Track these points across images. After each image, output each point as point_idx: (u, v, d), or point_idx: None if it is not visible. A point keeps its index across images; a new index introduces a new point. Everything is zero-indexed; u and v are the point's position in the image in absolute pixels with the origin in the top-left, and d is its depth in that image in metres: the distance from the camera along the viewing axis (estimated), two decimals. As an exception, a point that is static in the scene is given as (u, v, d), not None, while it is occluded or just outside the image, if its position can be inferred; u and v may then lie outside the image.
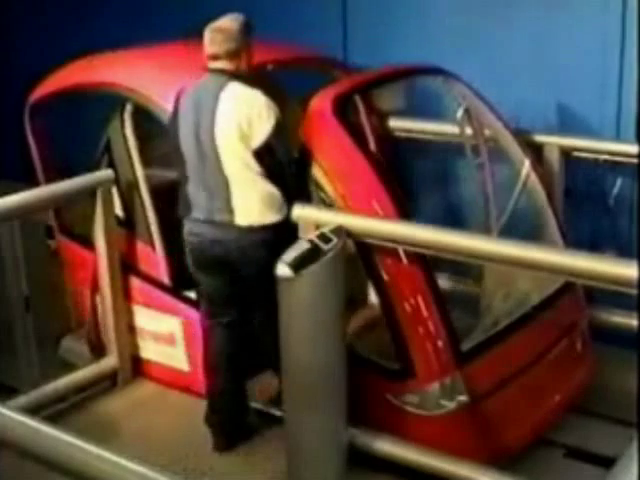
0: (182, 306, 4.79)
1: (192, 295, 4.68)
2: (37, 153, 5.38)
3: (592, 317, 4.86)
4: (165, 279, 4.83)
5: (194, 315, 4.67)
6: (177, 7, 6.41)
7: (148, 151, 4.97)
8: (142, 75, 4.95)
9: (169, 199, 4.82)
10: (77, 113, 5.83)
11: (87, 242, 5.13)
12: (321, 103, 4.36)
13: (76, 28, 6.91)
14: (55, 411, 4.70)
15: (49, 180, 5.23)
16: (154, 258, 4.85)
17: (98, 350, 5.16)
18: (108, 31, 6.43)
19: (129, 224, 4.93)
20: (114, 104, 4.97)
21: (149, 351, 5.02)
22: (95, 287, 5.05)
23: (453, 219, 5.24)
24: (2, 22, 7.43)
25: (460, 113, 4.58)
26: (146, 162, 4.91)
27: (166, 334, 4.90)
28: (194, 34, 4.36)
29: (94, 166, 4.93)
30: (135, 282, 4.97)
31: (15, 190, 4.57)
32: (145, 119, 4.89)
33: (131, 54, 5.28)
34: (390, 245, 3.96)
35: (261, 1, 6.08)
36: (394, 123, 5.34)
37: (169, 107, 4.55)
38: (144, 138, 4.96)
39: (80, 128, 6.14)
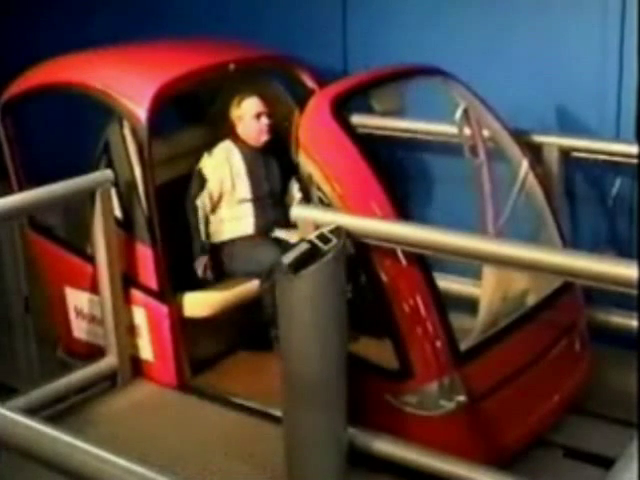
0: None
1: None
2: (9, 154, 5.36)
3: (590, 317, 4.86)
4: (163, 280, 4.85)
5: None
6: (169, 11, 6.43)
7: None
8: (110, 76, 4.99)
9: (168, 200, 4.86)
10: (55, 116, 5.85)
11: (62, 239, 5.16)
12: (319, 103, 4.36)
13: (54, 27, 6.90)
14: (55, 411, 4.70)
15: (20, 182, 5.26)
16: (152, 259, 4.86)
17: (75, 352, 5.17)
18: (88, 31, 6.44)
19: (127, 225, 4.93)
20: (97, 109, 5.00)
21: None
22: (72, 286, 5.05)
23: (452, 220, 5.23)
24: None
25: (459, 114, 4.58)
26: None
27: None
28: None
29: (93, 167, 4.94)
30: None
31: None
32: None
33: (102, 54, 5.32)
34: (389, 245, 3.97)
35: (261, 3, 6.10)
36: (392, 123, 5.35)
37: (134, 109, 4.71)
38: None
39: (59, 131, 6.14)
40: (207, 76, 5.11)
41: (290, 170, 5.05)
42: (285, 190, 5.17)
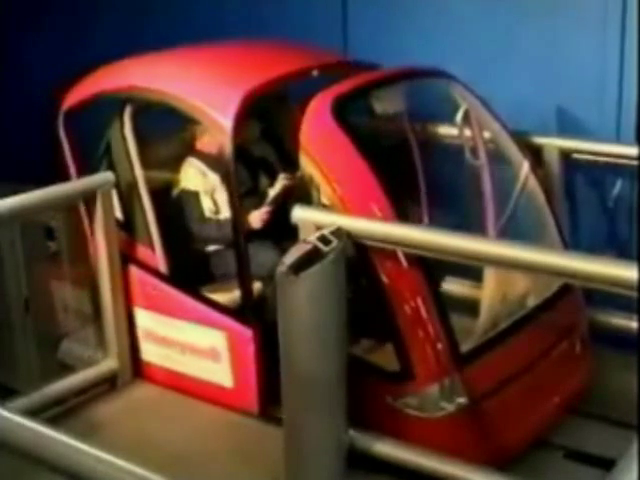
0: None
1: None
2: (72, 161, 5.14)
3: (591, 319, 4.86)
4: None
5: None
6: (179, 12, 6.43)
7: (148, 153, 4.97)
8: (187, 81, 4.76)
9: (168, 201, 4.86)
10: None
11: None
12: (320, 104, 4.36)
13: (89, 36, 6.87)
14: (54, 413, 4.70)
15: None
16: (154, 260, 4.85)
17: None
18: (119, 38, 6.40)
19: (128, 227, 4.93)
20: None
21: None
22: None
23: (452, 221, 5.23)
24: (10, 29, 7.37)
25: (460, 115, 4.59)
26: (145, 164, 4.90)
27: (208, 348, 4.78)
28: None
29: (94, 168, 4.93)
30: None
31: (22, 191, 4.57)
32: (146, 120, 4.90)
33: (167, 58, 5.05)
34: (390, 247, 3.97)
35: (261, 3, 6.11)
36: (394, 125, 5.34)
37: (219, 118, 4.44)
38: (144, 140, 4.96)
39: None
40: (290, 82, 4.89)
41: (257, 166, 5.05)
42: (258, 186, 5.08)
